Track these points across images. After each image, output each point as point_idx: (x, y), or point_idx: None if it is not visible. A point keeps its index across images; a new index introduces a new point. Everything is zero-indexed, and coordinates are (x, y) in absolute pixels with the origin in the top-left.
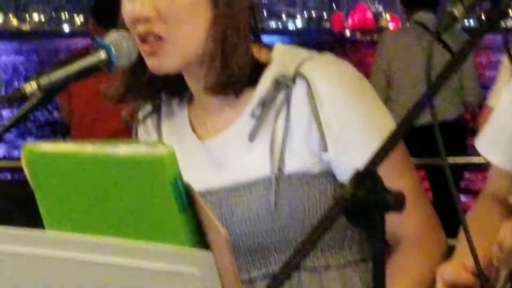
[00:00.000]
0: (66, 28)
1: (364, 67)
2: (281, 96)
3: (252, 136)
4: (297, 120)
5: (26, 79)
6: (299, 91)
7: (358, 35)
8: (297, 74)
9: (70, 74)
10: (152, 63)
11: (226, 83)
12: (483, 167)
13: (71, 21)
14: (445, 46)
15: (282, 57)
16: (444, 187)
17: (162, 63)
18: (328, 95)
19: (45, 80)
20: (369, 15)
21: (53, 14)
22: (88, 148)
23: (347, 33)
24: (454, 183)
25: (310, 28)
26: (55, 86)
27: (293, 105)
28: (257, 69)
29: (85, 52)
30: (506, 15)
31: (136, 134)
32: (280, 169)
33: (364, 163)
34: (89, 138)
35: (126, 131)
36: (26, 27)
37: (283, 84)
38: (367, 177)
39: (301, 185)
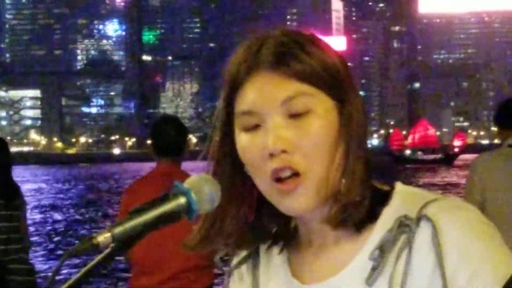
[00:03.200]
0: (116, 151)
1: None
2: (402, 239)
3: (370, 281)
4: (418, 266)
5: (73, 206)
6: (422, 235)
7: (419, 154)
8: (422, 216)
9: (147, 223)
10: (288, 204)
11: (350, 213)
12: None
13: (121, 144)
14: None
15: (404, 196)
16: None
17: (301, 202)
18: (456, 243)
19: (119, 230)
20: (432, 132)
21: (102, 136)
22: None
23: (407, 152)
24: None
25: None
26: (130, 236)
27: (415, 249)
28: (377, 203)
29: (163, 198)
30: None
31: (229, 279)
32: None
33: None
34: (150, 279)
35: (190, 271)
36: (72, 150)
37: (405, 226)
38: None
39: None
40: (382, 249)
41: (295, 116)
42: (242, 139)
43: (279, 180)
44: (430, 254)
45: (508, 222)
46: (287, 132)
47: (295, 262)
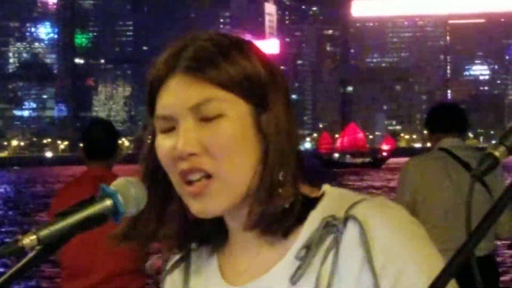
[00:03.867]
0: (48, 154)
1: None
2: (329, 239)
3: (295, 279)
4: (346, 265)
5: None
6: (350, 234)
7: (348, 157)
8: (349, 216)
9: (73, 225)
10: (198, 207)
11: (272, 219)
12: None
13: (54, 147)
14: (486, 187)
15: (331, 198)
16: None
17: (210, 205)
18: (384, 240)
19: (45, 232)
20: (361, 135)
21: (34, 139)
22: None
23: (336, 155)
24: None
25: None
26: (56, 238)
27: (342, 248)
28: (306, 207)
29: (89, 200)
30: None
31: (163, 284)
32: None
33: None
34: (81, 283)
35: (122, 275)
36: (3, 154)
37: (332, 226)
38: None
39: None
40: (309, 248)
41: (206, 119)
42: (159, 141)
43: (189, 183)
44: (358, 253)
45: (439, 224)
46: (196, 134)
47: (224, 264)
